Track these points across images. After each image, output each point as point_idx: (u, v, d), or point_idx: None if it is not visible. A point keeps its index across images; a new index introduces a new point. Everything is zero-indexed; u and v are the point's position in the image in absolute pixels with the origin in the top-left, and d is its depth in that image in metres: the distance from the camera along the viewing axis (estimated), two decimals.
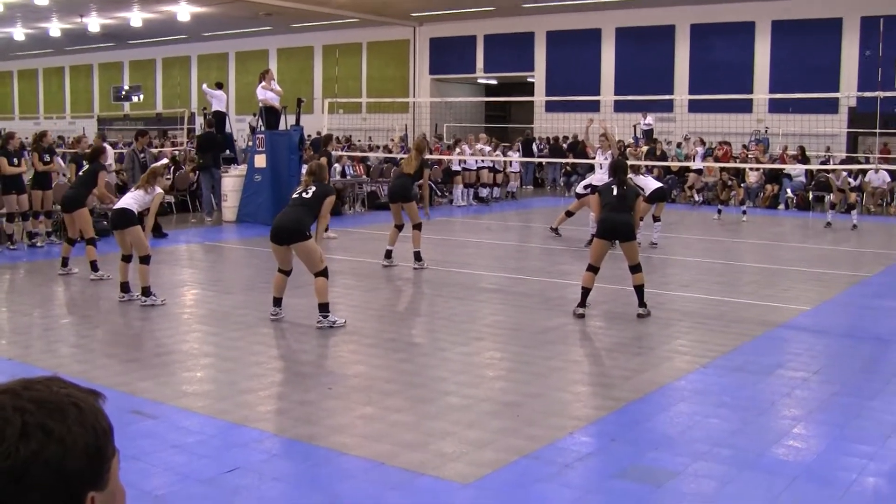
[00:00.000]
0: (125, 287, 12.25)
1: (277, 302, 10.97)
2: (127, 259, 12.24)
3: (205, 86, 26.90)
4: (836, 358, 9.79)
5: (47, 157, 17.63)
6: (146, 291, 11.86)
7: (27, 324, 11.16)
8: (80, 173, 14.94)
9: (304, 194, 10.74)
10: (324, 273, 10.58)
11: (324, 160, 14.73)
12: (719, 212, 24.53)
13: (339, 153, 27.74)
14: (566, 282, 13.51)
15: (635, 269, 11.36)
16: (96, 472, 1.47)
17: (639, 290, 11.41)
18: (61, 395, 1.46)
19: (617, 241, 11.68)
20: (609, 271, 15.47)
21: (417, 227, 15.20)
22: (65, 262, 14.18)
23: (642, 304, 11.45)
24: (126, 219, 11.81)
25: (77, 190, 14.10)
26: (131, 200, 11.93)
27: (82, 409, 1.47)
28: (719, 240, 19.91)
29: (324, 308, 10.59)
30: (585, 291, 11.45)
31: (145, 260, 11.91)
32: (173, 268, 15.75)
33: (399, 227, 15.31)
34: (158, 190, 12.24)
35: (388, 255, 15.42)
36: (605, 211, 11.37)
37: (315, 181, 10.87)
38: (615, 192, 11.39)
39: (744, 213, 23.96)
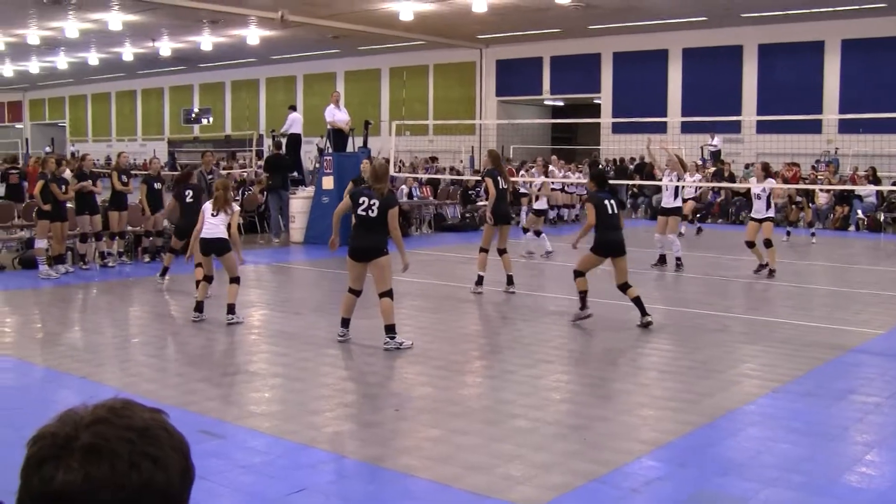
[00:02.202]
0: (199, 307, 12.43)
1: (345, 323, 10.99)
2: (209, 280, 12.54)
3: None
4: None
5: (125, 178, 17.94)
6: (231, 309, 12.13)
7: (98, 342, 11.33)
8: (189, 201, 15.00)
9: (369, 212, 10.58)
10: (389, 294, 10.59)
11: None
12: (788, 233, 24.17)
13: (405, 175, 27.86)
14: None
15: (624, 286, 12.02)
16: (187, 492, 1.50)
17: (637, 301, 11.96)
18: (149, 420, 1.48)
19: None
20: (671, 294, 15.38)
21: (505, 250, 14.94)
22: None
23: (645, 313, 11.94)
24: (223, 247, 12.14)
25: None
26: (222, 228, 12.14)
27: (170, 432, 1.49)
28: (788, 262, 19.63)
29: (390, 329, 10.62)
30: (583, 294, 12.27)
31: (235, 280, 12.28)
32: (241, 288, 15.87)
33: (487, 251, 14.87)
34: (236, 208, 12.49)
35: (481, 281, 14.89)
36: (603, 230, 12.08)
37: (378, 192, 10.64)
38: (610, 212, 12.07)
39: (812, 234, 23.62)
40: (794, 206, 26.15)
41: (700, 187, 24.72)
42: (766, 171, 17.45)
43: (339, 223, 10.93)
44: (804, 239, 23.61)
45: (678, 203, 18.10)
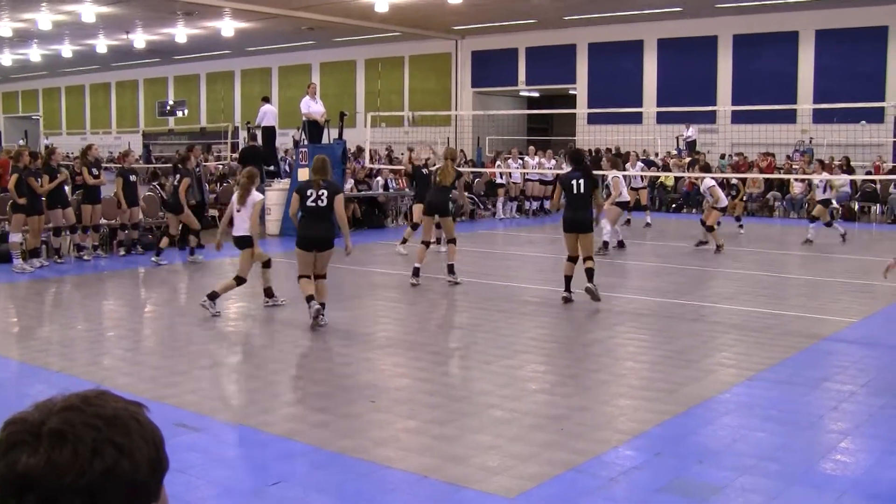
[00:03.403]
0: (269, 292, 12.78)
1: (312, 297, 11.22)
2: (267, 265, 12.83)
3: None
4: (885, 370, 9.66)
5: (95, 171, 17.81)
6: (269, 292, 12.64)
7: (73, 336, 11.27)
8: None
9: (319, 202, 11.18)
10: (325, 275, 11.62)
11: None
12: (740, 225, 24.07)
13: (380, 166, 27.83)
14: (610, 294, 13.43)
15: (589, 258, 12.91)
16: (157, 483, 1.49)
17: (589, 272, 12.78)
18: (120, 410, 1.47)
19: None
20: (654, 283, 15.45)
21: (453, 241, 15.20)
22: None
23: (591, 281, 12.72)
24: (244, 242, 12.19)
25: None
26: (245, 225, 12.16)
27: (141, 423, 1.49)
28: (763, 251, 19.74)
29: (323, 306, 11.31)
30: (567, 279, 13.06)
31: (267, 264, 12.72)
32: (216, 280, 15.86)
33: (427, 244, 15.22)
34: (257, 196, 12.39)
35: (417, 273, 14.93)
36: (568, 209, 12.97)
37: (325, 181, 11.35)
38: (575, 192, 12.82)
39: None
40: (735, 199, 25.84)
41: (644, 176, 25.10)
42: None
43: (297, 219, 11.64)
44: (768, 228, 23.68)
45: (624, 197, 20.06)
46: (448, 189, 15.28)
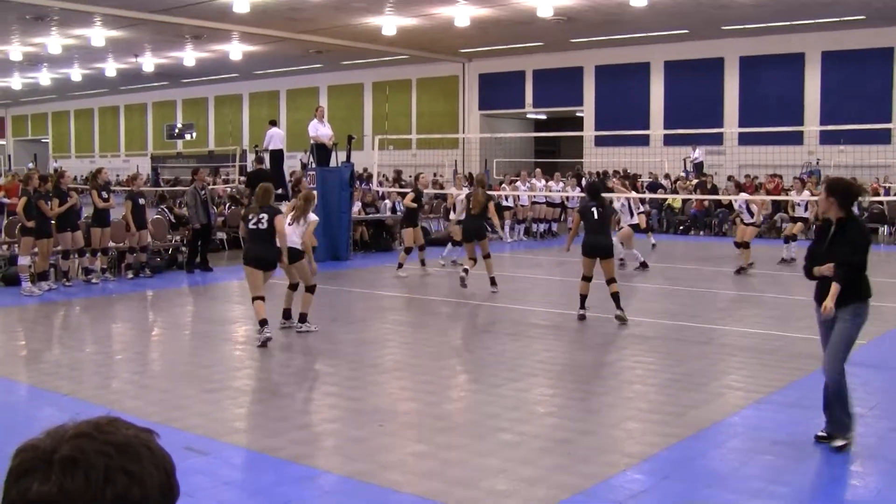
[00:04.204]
0: (286, 314, 12.92)
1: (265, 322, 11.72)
2: (293, 287, 12.96)
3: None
4: (893, 393, 9.65)
5: (105, 195, 17.87)
6: (304, 318, 12.55)
7: (82, 359, 11.28)
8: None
9: (259, 226, 11.87)
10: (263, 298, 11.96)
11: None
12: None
13: (389, 189, 27.88)
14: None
15: (611, 280, 13.12)
16: None
17: (615, 296, 13.06)
18: (131, 437, 1.48)
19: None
20: (661, 306, 15.43)
21: (489, 256, 16.56)
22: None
23: (619, 307, 13.03)
24: (295, 255, 12.49)
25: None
26: (296, 238, 12.49)
27: (152, 450, 1.49)
28: (773, 273, 19.70)
29: (264, 323, 11.71)
30: (583, 297, 13.38)
31: (311, 289, 12.67)
32: (225, 304, 15.91)
33: (475, 260, 16.35)
34: (312, 217, 12.85)
35: (494, 282, 16.33)
36: (587, 234, 13.23)
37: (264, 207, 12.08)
38: (595, 218, 13.12)
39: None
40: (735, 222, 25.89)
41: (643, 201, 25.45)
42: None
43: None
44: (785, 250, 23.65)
45: (634, 220, 20.56)
46: (481, 215, 16.51)
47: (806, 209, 21.43)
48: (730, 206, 29.27)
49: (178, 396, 9.23)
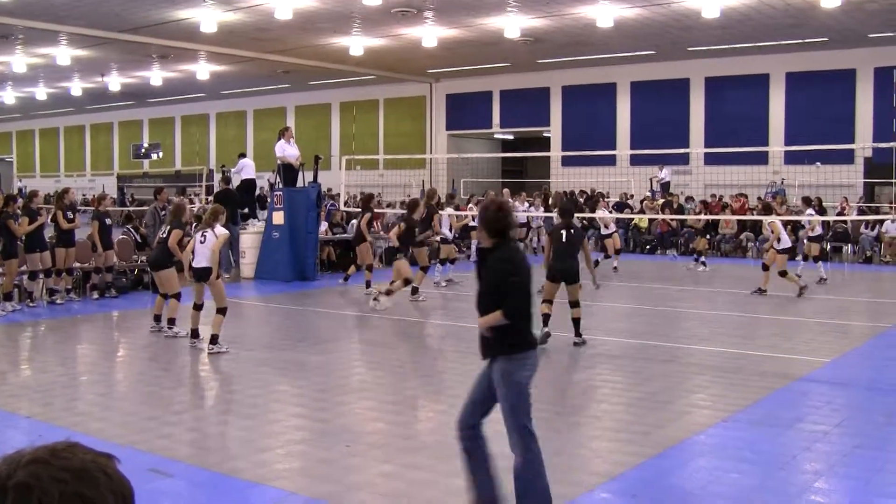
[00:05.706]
0: (195, 333, 13.02)
1: (196, 333, 12.60)
2: (198, 308, 13.04)
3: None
4: (858, 410, 9.71)
5: (71, 215, 17.75)
6: (214, 339, 12.43)
7: (46, 381, 11.16)
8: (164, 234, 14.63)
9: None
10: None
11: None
12: (702, 262, 24.46)
13: (355, 209, 27.83)
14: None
15: (575, 304, 12.94)
16: None
17: (576, 322, 12.99)
18: (88, 462, 1.47)
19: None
20: (630, 326, 15.48)
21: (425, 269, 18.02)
22: (157, 319, 14.29)
23: (578, 334, 12.98)
24: (202, 273, 12.64)
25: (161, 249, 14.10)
26: (205, 255, 12.60)
27: (110, 476, 1.48)
28: (736, 292, 19.82)
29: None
30: (545, 316, 13.00)
31: (222, 311, 12.55)
32: (190, 324, 15.79)
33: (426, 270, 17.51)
34: (222, 231, 12.87)
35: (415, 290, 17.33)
36: (553, 258, 12.94)
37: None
38: (563, 239, 12.87)
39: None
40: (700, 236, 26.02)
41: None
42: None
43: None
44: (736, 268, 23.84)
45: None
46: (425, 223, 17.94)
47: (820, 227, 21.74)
48: (695, 225, 29.39)
49: (143, 418, 9.15)
